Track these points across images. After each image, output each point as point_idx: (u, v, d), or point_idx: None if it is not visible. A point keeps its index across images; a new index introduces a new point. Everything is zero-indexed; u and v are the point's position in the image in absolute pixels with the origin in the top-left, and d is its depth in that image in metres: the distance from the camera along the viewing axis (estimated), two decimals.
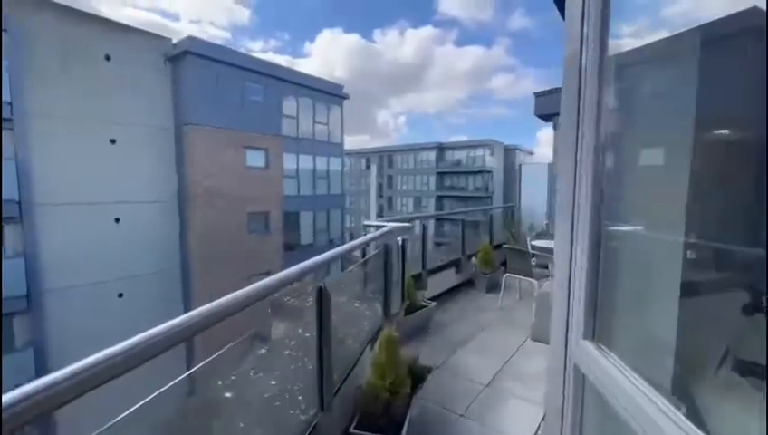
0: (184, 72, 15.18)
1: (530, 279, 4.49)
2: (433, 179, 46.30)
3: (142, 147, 14.69)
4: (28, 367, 12.05)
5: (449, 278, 5.49)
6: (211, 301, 1.25)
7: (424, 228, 4.62)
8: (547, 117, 6.70)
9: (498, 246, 6.93)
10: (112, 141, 14.03)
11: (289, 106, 19.26)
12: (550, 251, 5.03)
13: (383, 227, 3.05)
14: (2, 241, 11.65)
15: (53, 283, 12.67)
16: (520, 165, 7.05)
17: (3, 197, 11.37)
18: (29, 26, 11.92)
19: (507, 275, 4.78)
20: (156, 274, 15.25)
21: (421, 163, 47.75)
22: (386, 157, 51.80)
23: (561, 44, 1.10)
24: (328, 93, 21.03)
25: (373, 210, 53.69)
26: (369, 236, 2.74)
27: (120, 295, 14.50)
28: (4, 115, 11.50)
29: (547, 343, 1.13)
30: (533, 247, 5.17)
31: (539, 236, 5.76)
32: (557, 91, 6.69)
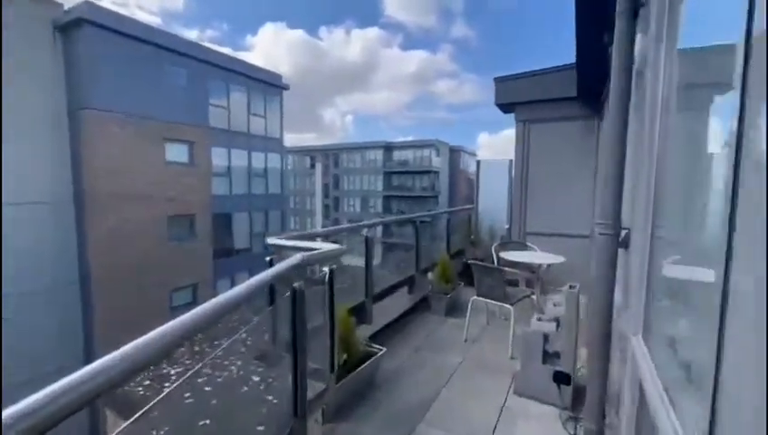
0: (80, 45, 12.49)
1: (504, 305, 3.50)
2: (380, 179, 45.55)
3: (20, 136, 11.78)
4: None
5: (400, 301, 4.36)
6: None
7: (368, 242, 3.41)
8: (508, 107, 5.90)
9: (456, 255, 5.97)
10: None
11: (219, 94, 17.02)
12: (527, 266, 4.10)
13: (295, 250, 1.79)
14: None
15: None
16: (478, 161, 6.16)
17: None
18: None
19: (475, 299, 3.75)
20: (40, 294, 12.37)
21: (368, 163, 46.79)
22: (332, 156, 50.12)
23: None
24: (265, 83, 19.06)
25: (319, 211, 51.61)
26: (260, 277, 1.46)
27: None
28: None
29: (538, 400, 0.39)
30: (502, 261, 4.21)
31: (504, 244, 4.85)
32: (523, 76, 5.87)
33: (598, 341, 1.95)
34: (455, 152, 48.55)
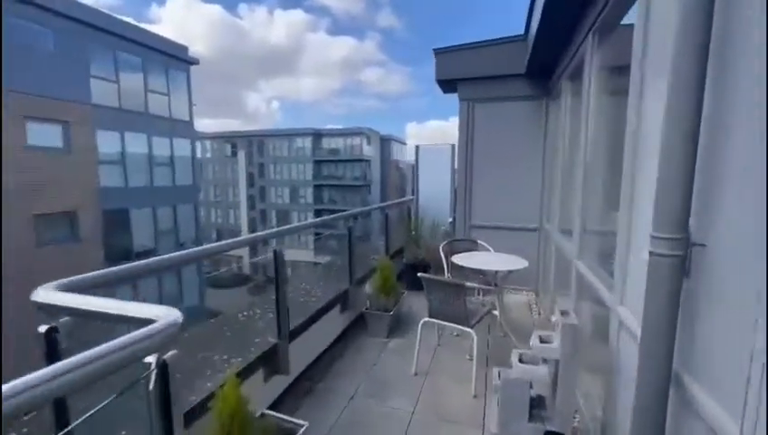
0: None
1: (465, 328, 2.71)
2: (310, 168, 43.52)
3: None
4: None
5: (330, 326, 3.38)
6: None
7: (278, 258, 2.34)
8: (450, 84, 5.15)
9: (396, 254, 5.14)
10: None
11: (104, 65, 13.95)
12: (483, 275, 3.37)
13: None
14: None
15: None
16: (417, 146, 5.36)
17: None
18: None
19: (427, 320, 2.92)
20: None
21: (297, 151, 44.36)
22: (256, 143, 46.57)
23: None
24: (165, 54, 16.20)
25: (243, 202, 47.76)
26: None
27: None
28: None
29: None
30: (454, 267, 3.44)
31: (452, 242, 4.11)
32: (467, 48, 5.10)
33: (648, 405, 1.21)
34: (385, 141, 48.28)
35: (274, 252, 2.35)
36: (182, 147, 17.55)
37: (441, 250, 3.92)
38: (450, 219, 5.40)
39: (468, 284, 2.54)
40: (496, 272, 3.36)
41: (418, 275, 2.82)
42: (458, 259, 3.41)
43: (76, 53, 12.88)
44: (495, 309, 2.97)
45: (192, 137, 17.98)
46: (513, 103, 4.93)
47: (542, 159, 4.85)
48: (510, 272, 3.28)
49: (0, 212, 10.16)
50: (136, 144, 15.26)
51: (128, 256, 14.98)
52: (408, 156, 57.57)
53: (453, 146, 5.43)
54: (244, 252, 48.93)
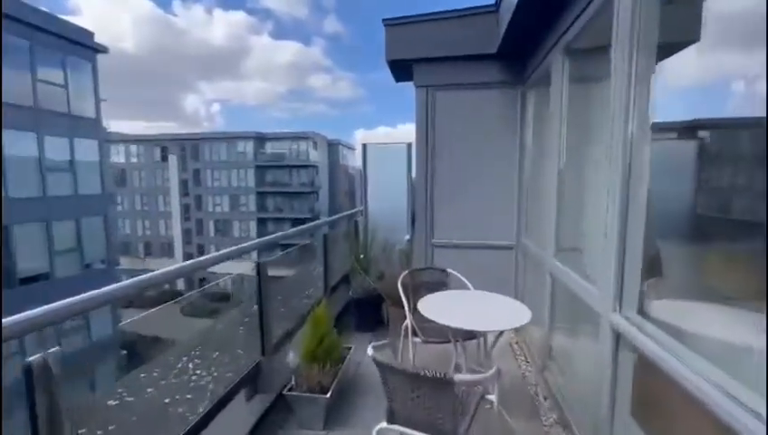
0: None
1: None
2: (252, 174, 40.69)
3: None
4: None
5: (234, 420, 2.06)
6: None
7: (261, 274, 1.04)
8: (403, 69, 4.05)
9: (336, 287, 3.91)
10: None
11: None
12: (461, 332, 2.28)
13: None
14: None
15: None
16: (365, 145, 4.20)
17: None
18: None
19: (385, 427, 1.73)
20: None
21: (237, 156, 41.30)
22: (190, 147, 42.71)
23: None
24: (62, 38, 13.49)
25: (176, 212, 43.33)
26: None
27: None
28: None
29: None
30: (422, 319, 2.30)
31: (415, 272, 2.99)
32: (424, 20, 3.82)
33: None
34: (333, 146, 46.82)
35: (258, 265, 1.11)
36: (88, 149, 14.79)
37: (400, 284, 2.77)
38: (407, 237, 4.28)
39: (459, 378, 1.41)
40: (483, 334, 2.28)
41: (371, 356, 1.62)
42: (427, 307, 2.28)
43: None
44: (490, 392, 1.88)
45: (99, 137, 15.23)
46: (483, 91, 3.96)
47: (518, 159, 3.93)
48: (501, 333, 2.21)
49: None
50: (20, 145, 12.41)
51: (9, 282, 12.03)
52: (358, 161, 56.52)
53: (409, 145, 4.35)
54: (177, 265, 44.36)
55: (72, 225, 14.15)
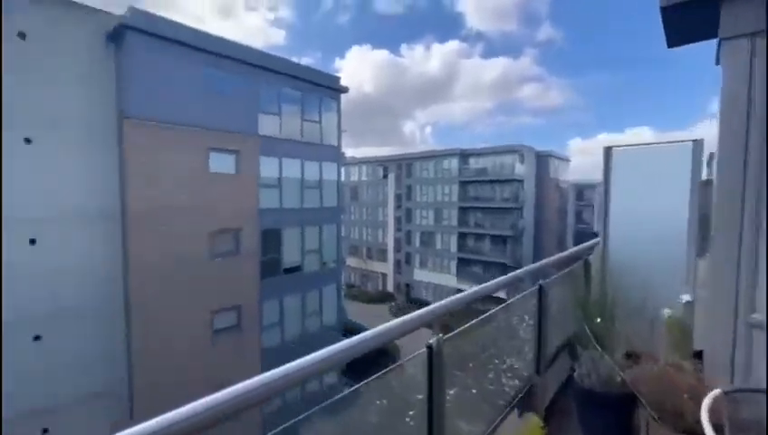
0: (127, 52, 11.98)
1: None
2: (455, 189, 41.82)
3: (70, 148, 11.52)
4: None
5: None
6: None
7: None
8: (693, 11, 2.49)
9: (555, 360, 2.71)
10: (27, 141, 10.92)
11: (270, 100, 15.76)
12: None
13: None
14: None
15: None
16: (608, 149, 2.84)
17: None
18: None
19: None
20: (85, 311, 11.87)
21: (442, 172, 43.47)
22: (405, 165, 47.99)
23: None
24: (320, 85, 17.41)
25: (391, 223, 49.59)
26: None
27: (37, 339, 11.21)
28: None
29: None
30: None
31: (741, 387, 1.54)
32: None
33: None
34: (542, 158, 42.58)
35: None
36: (330, 170, 18.47)
37: (706, 412, 1.43)
38: (686, 297, 2.61)
39: None
40: None
41: None
42: None
43: (249, 91, 14.81)
44: None
45: (338, 160, 18.77)
46: None
47: None
48: None
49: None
50: (290, 169, 16.63)
51: (277, 270, 16.24)
52: (572, 174, 49.43)
53: (696, 143, 2.69)
54: (389, 269, 50.51)
55: (317, 230, 17.91)
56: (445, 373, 1.47)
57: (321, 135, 17.87)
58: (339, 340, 1.38)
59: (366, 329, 1.38)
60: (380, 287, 51.67)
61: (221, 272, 13.99)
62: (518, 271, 2.45)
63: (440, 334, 1.47)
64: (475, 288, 2.03)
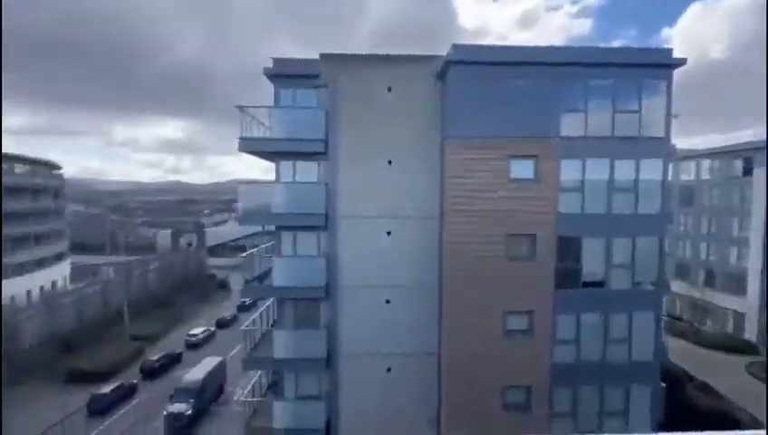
0: (448, 84, 14.70)
1: None
2: None
3: (411, 165, 15.49)
4: (322, 342, 15.34)
5: None
6: None
7: None
8: None
9: None
10: (389, 163, 15.62)
11: (573, 97, 14.62)
12: None
13: None
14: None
15: (343, 280, 15.53)
16: None
17: (311, 211, 15.13)
18: (341, 83, 15.18)
19: None
20: (415, 287, 15.64)
21: None
22: None
23: None
24: (638, 66, 14.34)
25: (756, 241, 33.72)
26: None
27: (388, 302, 15.87)
28: (320, 150, 15.29)
29: None
30: None
31: None
32: None
33: None
34: None
35: None
36: (652, 169, 14.91)
37: None
38: None
39: None
40: None
41: None
42: None
43: (549, 92, 14.37)
44: None
45: (664, 156, 14.78)
46: None
47: None
48: None
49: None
50: (597, 170, 14.73)
51: (575, 283, 14.84)
52: None
53: None
54: (749, 305, 34.42)
55: (628, 242, 14.91)
56: None
57: (640, 126, 14.68)
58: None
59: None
60: (728, 329, 36.65)
61: (515, 275, 14.43)
62: None
63: None
64: None
